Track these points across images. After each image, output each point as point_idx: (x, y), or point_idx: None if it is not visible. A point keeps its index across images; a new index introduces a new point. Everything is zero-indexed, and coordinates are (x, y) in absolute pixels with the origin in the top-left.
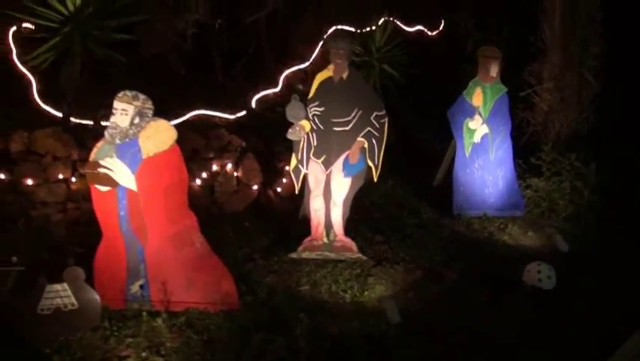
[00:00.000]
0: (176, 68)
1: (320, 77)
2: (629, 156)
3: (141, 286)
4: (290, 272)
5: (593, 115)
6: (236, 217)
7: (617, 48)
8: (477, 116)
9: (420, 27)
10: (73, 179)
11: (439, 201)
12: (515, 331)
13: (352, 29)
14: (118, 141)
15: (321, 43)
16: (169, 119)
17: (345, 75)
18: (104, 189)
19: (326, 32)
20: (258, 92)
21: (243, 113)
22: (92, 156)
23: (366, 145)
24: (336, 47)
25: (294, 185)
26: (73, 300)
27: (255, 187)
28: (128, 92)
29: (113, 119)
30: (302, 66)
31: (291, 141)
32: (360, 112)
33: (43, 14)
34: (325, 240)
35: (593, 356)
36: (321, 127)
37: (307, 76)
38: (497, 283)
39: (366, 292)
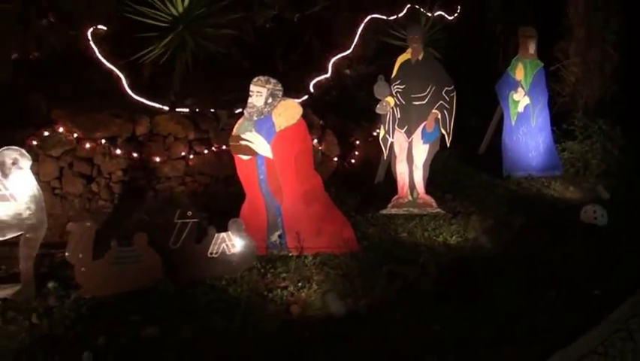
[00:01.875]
0: (240, 61)
1: (400, 59)
2: None
3: (279, 236)
4: (386, 224)
5: (615, 84)
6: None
7: (635, 22)
8: (520, 89)
9: (440, 12)
10: (191, 156)
11: (488, 166)
12: (581, 258)
13: (384, 17)
14: (255, 118)
15: (359, 32)
16: (241, 106)
17: (420, 57)
18: (245, 158)
19: (362, 22)
20: (313, 79)
21: (306, 97)
22: (235, 131)
23: (439, 116)
24: (412, 33)
25: (365, 157)
26: (236, 245)
27: (335, 159)
28: (261, 77)
29: (250, 100)
30: (345, 53)
31: (366, 117)
32: (434, 88)
33: (155, 15)
34: (410, 198)
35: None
36: (403, 102)
37: (351, 62)
38: (557, 226)
39: (454, 236)
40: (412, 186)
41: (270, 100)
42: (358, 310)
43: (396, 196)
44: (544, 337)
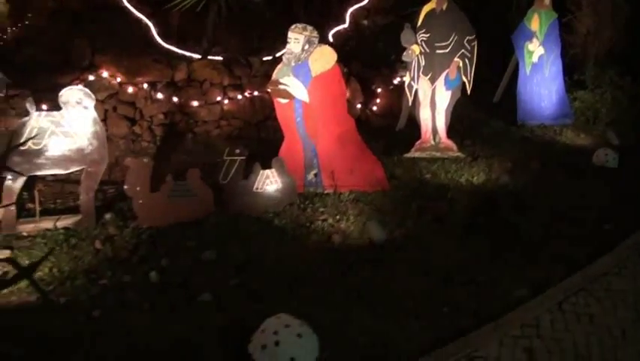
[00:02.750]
0: (263, 11)
1: (426, 8)
2: None
3: (315, 175)
4: (411, 167)
5: (625, 36)
6: None
7: None
8: (535, 39)
9: None
10: (226, 101)
11: (502, 114)
12: (594, 196)
13: None
14: (293, 64)
15: None
16: (270, 54)
17: (445, 6)
18: (283, 101)
19: None
20: (332, 29)
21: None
22: (274, 76)
23: (460, 64)
24: None
25: (386, 104)
26: (279, 181)
27: (359, 106)
28: (299, 25)
29: (288, 46)
30: (362, 4)
31: (386, 65)
32: (457, 37)
33: None
34: (432, 142)
35: None
36: (427, 50)
37: (369, 13)
38: (571, 168)
39: (475, 177)
40: (435, 131)
41: (306, 46)
42: (394, 239)
43: (419, 141)
44: (564, 261)
